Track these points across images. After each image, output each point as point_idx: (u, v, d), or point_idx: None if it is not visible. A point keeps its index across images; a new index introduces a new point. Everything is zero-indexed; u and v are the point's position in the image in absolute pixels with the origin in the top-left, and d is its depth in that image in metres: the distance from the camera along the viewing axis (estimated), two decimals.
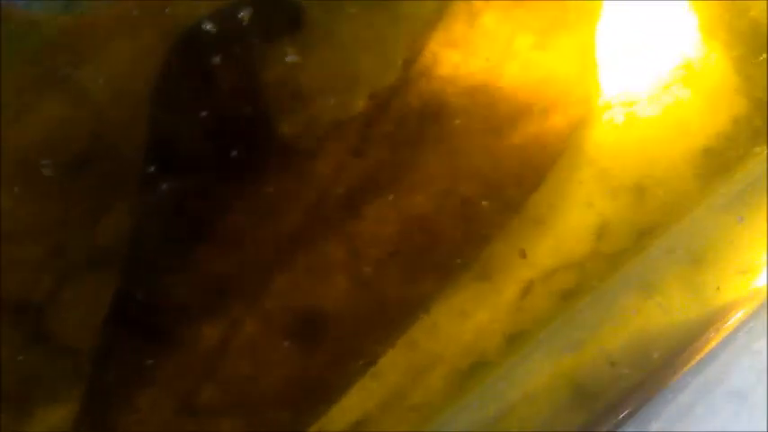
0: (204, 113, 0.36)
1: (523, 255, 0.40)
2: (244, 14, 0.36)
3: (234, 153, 0.36)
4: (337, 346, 0.39)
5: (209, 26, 0.35)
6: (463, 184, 0.39)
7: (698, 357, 0.38)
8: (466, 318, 0.40)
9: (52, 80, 0.35)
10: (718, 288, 0.40)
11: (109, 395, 0.37)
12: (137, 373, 0.37)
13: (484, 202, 0.39)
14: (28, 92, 0.35)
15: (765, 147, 0.41)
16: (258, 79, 0.37)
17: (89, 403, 0.36)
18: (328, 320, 0.38)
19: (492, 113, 0.39)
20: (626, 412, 0.38)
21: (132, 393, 0.37)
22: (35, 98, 0.35)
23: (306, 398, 0.39)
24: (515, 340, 0.40)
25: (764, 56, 0.41)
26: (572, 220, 0.40)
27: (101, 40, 0.35)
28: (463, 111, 0.38)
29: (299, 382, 0.38)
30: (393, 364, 0.39)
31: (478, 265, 0.40)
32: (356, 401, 0.39)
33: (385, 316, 0.39)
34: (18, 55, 0.35)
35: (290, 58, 0.36)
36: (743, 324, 0.38)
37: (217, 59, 0.35)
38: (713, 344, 0.38)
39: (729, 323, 0.39)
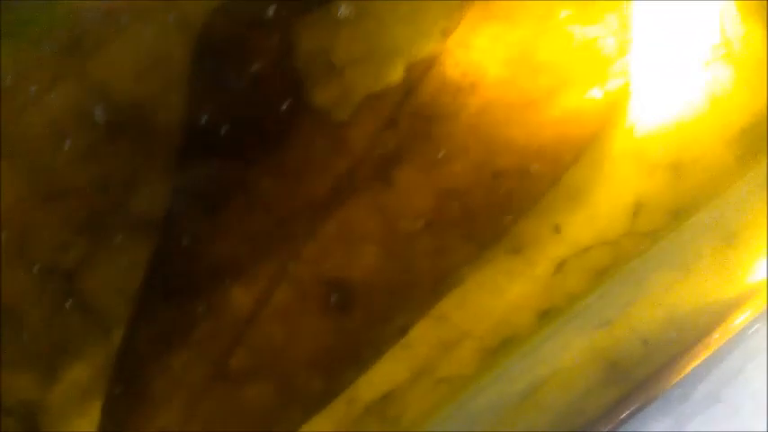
0: (252, 69, 0.36)
1: (558, 230, 0.40)
2: None
3: (268, 117, 0.36)
4: (367, 315, 0.39)
5: None
6: (498, 157, 0.39)
7: (732, 334, 0.38)
8: (497, 292, 0.40)
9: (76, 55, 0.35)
10: (753, 266, 0.39)
11: (143, 355, 0.37)
12: (170, 334, 0.37)
13: (519, 176, 0.39)
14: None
15: None
16: (298, 40, 0.37)
17: (123, 362, 0.37)
18: (358, 289, 0.38)
19: (529, 86, 0.39)
20: (659, 387, 0.37)
21: (166, 354, 0.37)
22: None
23: (336, 365, 0.39)
24: (547, 315, 0.40)
25: None
26: (607, 197, 0.40)
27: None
28: (501, 83, 0.38)
29: (329, 350, 0.38)
30: (423, 336, 0.39)
31: (511, 240, 0.39)
32: (386, 371, 0.39)
33: (416, 287, 0.39)
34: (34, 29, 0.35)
35: (343, 11, 0.36)
36: None
37: (270, 12, 0.35)
38: (748, 320, 0.38)
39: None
